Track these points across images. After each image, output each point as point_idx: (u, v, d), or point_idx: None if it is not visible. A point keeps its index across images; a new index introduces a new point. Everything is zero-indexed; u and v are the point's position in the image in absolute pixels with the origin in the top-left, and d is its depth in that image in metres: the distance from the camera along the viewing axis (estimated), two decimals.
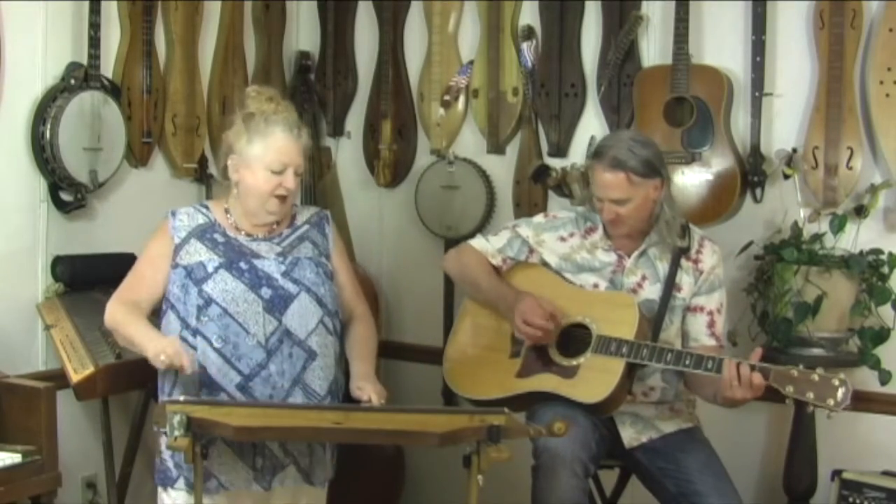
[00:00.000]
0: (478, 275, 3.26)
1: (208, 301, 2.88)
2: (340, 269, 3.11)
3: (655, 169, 3.04)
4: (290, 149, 2.91)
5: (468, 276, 3.30)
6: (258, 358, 2.87)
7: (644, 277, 3.13)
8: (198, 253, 2.94)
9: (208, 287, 2.89)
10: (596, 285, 3.14)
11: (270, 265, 2.94)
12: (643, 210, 3.07)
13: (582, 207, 3.28)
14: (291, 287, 2.93)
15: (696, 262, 3.14)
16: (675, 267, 3.11)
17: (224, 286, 2.89)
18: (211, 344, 2.86)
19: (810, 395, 2.73)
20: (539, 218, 3.31)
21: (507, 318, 3.17)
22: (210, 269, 2.91)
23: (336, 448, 3.06)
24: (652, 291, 3.12)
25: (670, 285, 3.10)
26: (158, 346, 2.78)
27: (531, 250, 3.25)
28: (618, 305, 3.06)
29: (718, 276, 3.15)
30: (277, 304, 2.90)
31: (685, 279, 3.12)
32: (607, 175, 3.02)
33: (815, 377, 2.73)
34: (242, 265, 2.93)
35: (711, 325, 3.13)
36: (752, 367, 2.80)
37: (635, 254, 3.14)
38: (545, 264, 3.23)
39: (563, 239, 3.22)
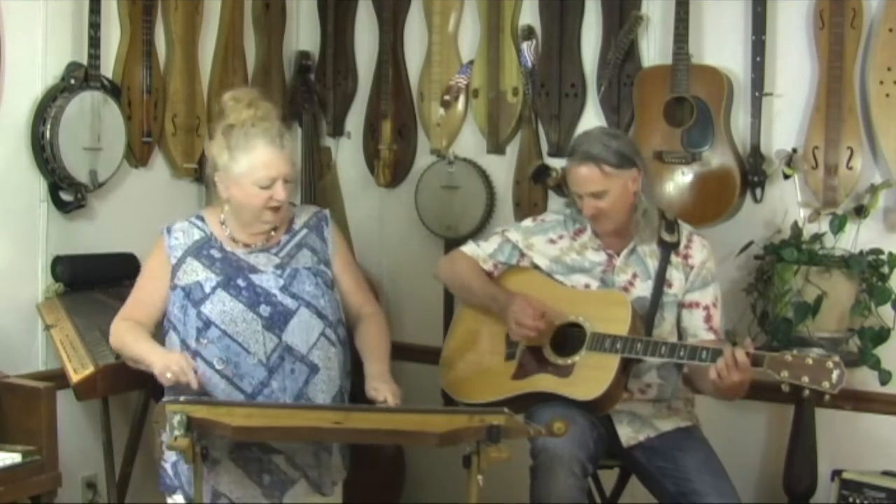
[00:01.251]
0: (469, 279, 3.27)
1: (207, 323, 2.87)
2: (344, 273, 3.07)
3: (629, 159, 3.06)
4: (276, 161, 2.85)
5: (460, 281, 3.32)
6: (260, 376, 2.85)
7: (635, 275, 3.14)
8: (195, 272, 2.92)
9: (206, 309, 2.87)
10: (587, 286, 3.15)
11: (269, 280, 2.91)
12: (623, 201, 3.08)
13: (570, 209, 3.28)
14: (290, 302, 2.90)
15: (685, 257, 3.15)
16: (664, 263, 3.12)
17: (222, 307, 2.87)
18: (212, 366, 2.85)
19: (805, 379, 2.73)
20: (527, 222, 3.32)
21: (500, 319, 3.18)
22: (207, 290, 2.89)
23: (348, 450, 3.05)
24: (643, 289, 3.12)
25: (660, 281, 3.11)
26: (164, 362, 2.78)
27: (522, 254, 3.26)
28: (610, 303, 3.07)
29: (710, 271, 3.16)
30: (277, 321, 2.88)
31: (675, 275, 3.13)
32: (581, 169, 3.05)
33: (810, 361, 2.74)
34: (240, 282, 2.90)
35: (708, 319, 3.13)
36: (747, 355, 2.81)
37: (624, 252, 3.15)
38: (536, 267, 3.24)
39: (552, 241, 3.23)
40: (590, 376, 3.00)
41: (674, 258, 3.13)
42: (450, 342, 3.37)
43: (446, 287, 3.59)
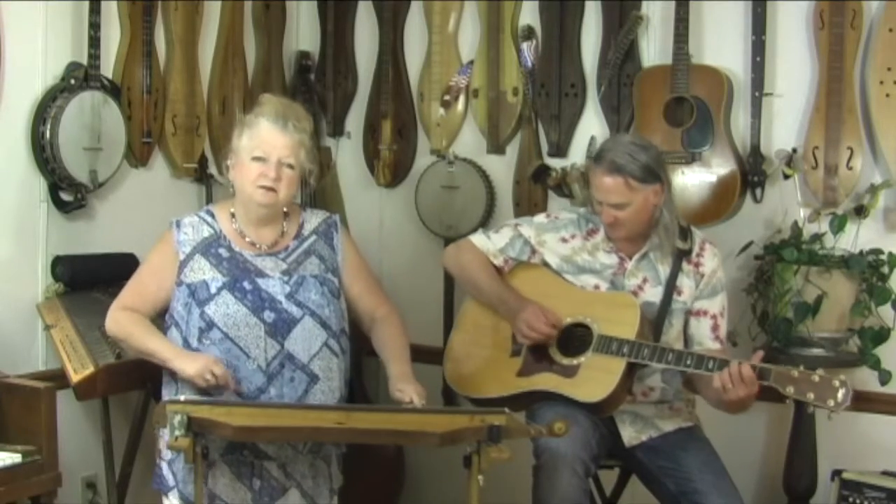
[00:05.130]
0: (478, 276, 3.25)
1: (210, 324, 2.86)
2: (354, 279, 3.06)
3: (655, 174, 3.04)
4: (274, 138, 2.88)
5: (468, 276, 3.29)
6: (258, 382, 2.85)
7: (645, 280, 3.13)
8: (202, 270, 2.91)
9: (210, 310, 2.87)
10: (597, 287, 3.14)
11: (275, 285, 2.90)
12: (643, 214, 3.06)
13: (584, 209, 3.28)
14: (295, 310, 2.89)
15: (696, 265, 3.13)
16: (675, 270, 3.11)
17: (226, 310, 2.86)
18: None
19: (811, 396, 2.73)
20: (541, 218, 3.30)
21: (507, 321, 3.17)
22: (213, 290, 2.88)
23: (342, 457, 3.05)
24: (653, 294, 3.11)
25: (671, 288, 3.10)
26: (200, 365, 2.77)
27: (533, 251, 3.24)
28: (619, 305, 3.06)
29: (720, 280, 3.15)
30: (280, 328, 2.87)
31: (686, 282, 3.12)
32: (606, 179, 3.02)
33: (816, 378, 2.73)
34: (246, 285, 2.89)
35: (715, 328, 3.12)
36: (753, 368, 2.81)
37: (636, 256, 3.14)
38: (546, 265, 3.22)
39: (564, 240, 3.21)
40: (595, 378, 2.99)
41: (685, 265, 3.12)
42: (455, 334, 3.35)
43: (453, 276, 3.52)
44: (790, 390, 2.75)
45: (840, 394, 2.70)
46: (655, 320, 3.08)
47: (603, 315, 3.05)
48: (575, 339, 3.09)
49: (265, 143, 2.88)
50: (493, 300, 3.22)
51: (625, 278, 3.13)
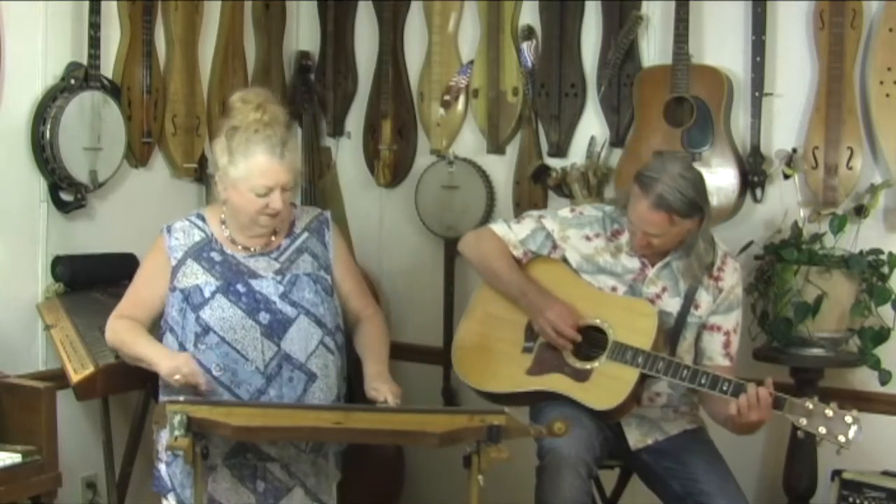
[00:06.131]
0: (499, 266, 3.17)
1: (206, 329, 2.85)
2: (345, 277, 3.05)
3: (699, 208, 2.95)
4: (274, 170, 2.81)
5: (488, 265, 3.20)
6: (257, 384, 2.84)
7: (664, 289, 3.08)
8: (195, 275, 2.90)
9: (205, 314, 2.86)
10: (614, 289, 3.09)
11: (268, 286, 2.90)
12: (676, 239, 3.00)
13: (609, 207, 3.20)
14: (290, 310, 2.89)
15: (717, 279, 3.08)
16: (696, 283, 3.06)
17: (221, 313, 2.86)
18: (210, 372, 2.83)
19: (822, 430, 2.72)
20: (565, 212, 3.21)
21: (527, 314, 3.12)
22: (207, 294, 2.87)
23: (340, 452, 3.05)
24: (670, 304, 3.07)
25: (689, 301, 3.05)
26: (172, 364, 2.77)
27: (555, 245, 3.16)
28: (637, 313, 3.01)
29: (738, 297, 3.11)
30: (276, 329, 2.86)
31: (704, 297, 3.07)
32: (651, 214, 2.92)
33: (830, 412, 2.71)
34: (240, 287, 2.88)
35: (727, 345, 3.09)
36: (769, 394, 2.79)
37: (659, 264, 3.08)
38: (565, 261, 3.15)
39: (587, 238, 3.14)
40: (606, 385, 2.96)
41: (705, 279, 3.06)
42: (465, 322, 3.29)
43: (471, 264, 3.38)
44: (802, 422, 2.74)
45: (852, 431, 2.69)
46: (671, 332, 3.05)
47: (619, 320, 3.01)
48: (587, 341, 3.05)
49: (266, 178, 2.81)
50: (513, 291, 3.15)
51: (644, 285, 3.08)
